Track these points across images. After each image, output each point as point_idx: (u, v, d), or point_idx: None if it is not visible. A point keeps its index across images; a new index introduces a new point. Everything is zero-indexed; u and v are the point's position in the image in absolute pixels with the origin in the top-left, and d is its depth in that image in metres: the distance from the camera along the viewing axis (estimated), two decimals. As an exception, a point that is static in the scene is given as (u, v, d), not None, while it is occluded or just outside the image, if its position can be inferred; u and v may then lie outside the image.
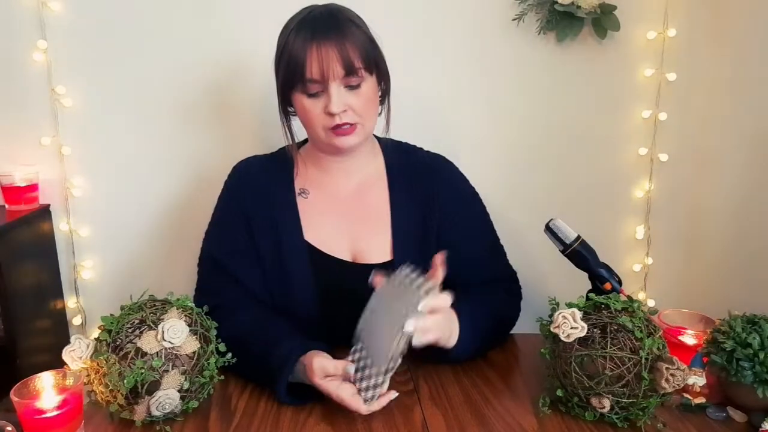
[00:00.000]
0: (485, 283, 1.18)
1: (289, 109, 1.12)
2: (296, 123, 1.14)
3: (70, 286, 1.60)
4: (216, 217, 1.19)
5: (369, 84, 1.06)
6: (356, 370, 0.92)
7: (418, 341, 0.91)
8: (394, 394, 0.93)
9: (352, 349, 0.95)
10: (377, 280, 0.96)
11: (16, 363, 1.38)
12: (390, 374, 0.91)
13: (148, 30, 1.49)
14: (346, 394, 0.90)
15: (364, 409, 0.90)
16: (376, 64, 1.07)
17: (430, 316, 0.92)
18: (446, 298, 0.94)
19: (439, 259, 0.96)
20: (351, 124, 1.05)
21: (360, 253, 1.13)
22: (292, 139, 1.14)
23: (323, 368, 0.92)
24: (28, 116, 1.50)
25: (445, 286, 1.16)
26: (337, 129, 1.05)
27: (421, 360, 1.07)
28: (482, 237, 1.21)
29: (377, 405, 0.91)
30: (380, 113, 1.14)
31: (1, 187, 1.49)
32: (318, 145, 1.13)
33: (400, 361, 0.92)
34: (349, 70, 1.02)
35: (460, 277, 1.16)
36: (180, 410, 0.91)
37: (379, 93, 1.11)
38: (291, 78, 1.04)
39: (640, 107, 1.58)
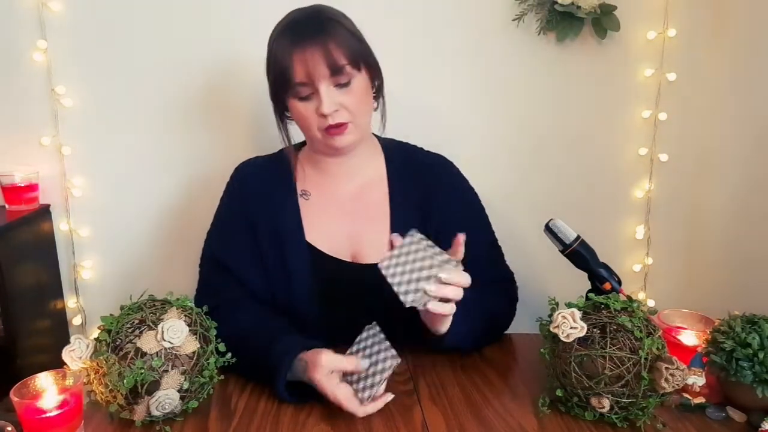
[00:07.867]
0: (482, 284, 1.17)
1: (287, 114, 1.12)
2: (293, 126, 1.14)
3: (70, 286, 1.60)
4: (218, 218, 1.19)
5: (359, 81, 1.05)
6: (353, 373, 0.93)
7: (436, 307, 0.90)
8: (389, 396, 0.94)
9: (357, 339, 0.95)
10: (395, 240, 0.95)
11: (16, 363, 1.39)
12: (389, 372, 0.91)
13: (148, 30, 1.49)
14: (342, 395, 0.90)
15: (361, 411, 0.90)
16: (364, 60, 1.06)
17: (451, 287, 0.91)
18: (467, 277, 0.93)
19: (461, 239, 0.95)
20: (343, 123, 1.05)
21: (359, 254, 1.14)
22: (289, 143, 1.15)
23: (333, 363, 0.91)
24: (28, 116, 1.50)
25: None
26: (330, 129, 1.05)
27: (418, 350, 1.07)
28: (480, 237, 1.21)
29: (372, 407, 0.91)
30: (376, 109, 1.14)
31: (1, 187, 1.49)
32: (316, 147, 1.13)
33: (398, 360, 0.92)
34: (335, 70, 1.01)
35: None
36: (180, 410, 0.91)
37: (373, 90, 1.11)
38: (281, 84, 1.04)
39: (640, 107, 1.58)
